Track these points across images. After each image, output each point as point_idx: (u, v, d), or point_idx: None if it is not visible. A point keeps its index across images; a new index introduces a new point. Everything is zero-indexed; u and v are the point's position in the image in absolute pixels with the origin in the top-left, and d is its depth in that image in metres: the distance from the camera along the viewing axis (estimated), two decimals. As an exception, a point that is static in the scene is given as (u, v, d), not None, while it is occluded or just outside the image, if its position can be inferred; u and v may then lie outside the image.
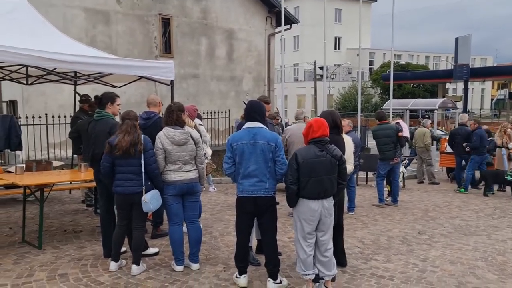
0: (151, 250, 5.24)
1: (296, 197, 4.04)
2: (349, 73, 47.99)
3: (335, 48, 49.21)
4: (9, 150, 9.92)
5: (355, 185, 7.99)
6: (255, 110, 4.27)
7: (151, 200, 4.51)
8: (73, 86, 8.29)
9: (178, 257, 4.75)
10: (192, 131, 4.78)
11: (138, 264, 4.66)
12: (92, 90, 8.04)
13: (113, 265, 4.71)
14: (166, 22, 15.71)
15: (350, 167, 4.99)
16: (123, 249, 4.98)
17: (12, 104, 13.79)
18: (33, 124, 10.29)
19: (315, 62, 35.77)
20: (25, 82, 6.80)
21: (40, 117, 10.18)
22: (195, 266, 4.81)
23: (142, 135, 4.59)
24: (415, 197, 9.53)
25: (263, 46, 18.45)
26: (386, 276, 4.79)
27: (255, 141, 4.14)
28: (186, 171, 4.67)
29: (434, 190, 10.60)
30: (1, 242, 5.69)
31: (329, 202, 4.01)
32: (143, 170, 4.50)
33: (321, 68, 44.36)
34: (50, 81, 7.22)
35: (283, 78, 13.11)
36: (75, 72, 7.39)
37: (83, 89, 8.22)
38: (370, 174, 11.51)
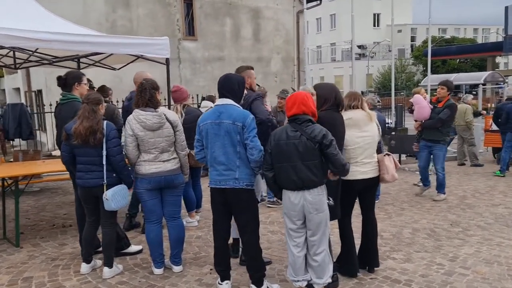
0: (133, 248, 4.66)
1: (276, 186, 3.37)
2: (389, 50, 45.80)
3: (374, 25, 46.99)
4: (20, 139, 9.73)
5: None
6: (222, 86, 3.54)
7: (113, 197, 3.84)
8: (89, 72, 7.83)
9: (155, 259, 4.13)
10: (168, 113, 4.10)
11: (110, 266, 4.07)
12: (96, 74, 7.57)
13: (84, 267, 4.16)
14: (188, 4, 15.12)
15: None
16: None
17: (40, 93, 13.74)
18: (45, 112, 10.02)
19: (352, 41, 34.20)
20: (13, 67, 6.36)
21: (50, 104, 9.88)
22: (177, 268, 4.18)
23: (105, 122, 3.95)
24: (453, 182, 8.47)
25: (291, 25, 17.48)
26: (403, 281, 3.98)
27: (220, 121, 3.42)
28: (164, 161, 3.98)
29: (477, 173, 9.46)
30: (-19, 239, 5.31)
31: (313, 195, 3.22)
32: (104, 161, 3.87)
33: (359, 46, 42.61)
34: (42, 64, 6.75)
35: (307, 61, 12.25)
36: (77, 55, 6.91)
37: (88, 74, 7.72)
38: (403, 157, 10.52)
